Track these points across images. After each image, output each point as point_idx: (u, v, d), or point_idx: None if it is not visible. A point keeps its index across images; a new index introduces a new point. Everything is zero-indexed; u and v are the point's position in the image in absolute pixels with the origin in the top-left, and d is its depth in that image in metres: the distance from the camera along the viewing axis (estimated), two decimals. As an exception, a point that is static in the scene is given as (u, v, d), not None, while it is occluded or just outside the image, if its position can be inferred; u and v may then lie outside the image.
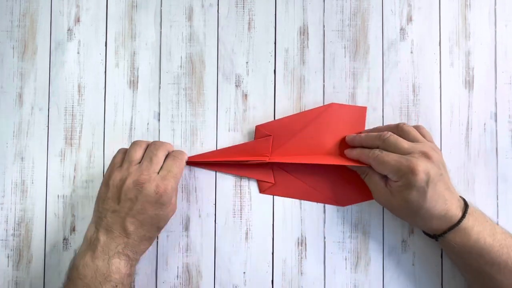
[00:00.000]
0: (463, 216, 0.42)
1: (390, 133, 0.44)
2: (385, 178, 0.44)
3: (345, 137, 0.49)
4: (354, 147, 0.48)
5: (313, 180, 0.49)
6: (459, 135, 0.50)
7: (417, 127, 0.46)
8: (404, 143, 0.43)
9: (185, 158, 0.47)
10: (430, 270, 0.49)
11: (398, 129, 0.45)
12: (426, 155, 0.42)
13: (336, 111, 0.49)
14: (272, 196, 0.49)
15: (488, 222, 0.43)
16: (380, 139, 0.44)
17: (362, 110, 0.50)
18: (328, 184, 0.49)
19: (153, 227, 0.44)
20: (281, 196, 0.49)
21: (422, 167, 0.40)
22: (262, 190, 0.49)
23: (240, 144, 0.49)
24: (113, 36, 0.51)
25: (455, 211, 0.42)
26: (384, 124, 0.50)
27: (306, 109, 0.50)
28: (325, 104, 0.50)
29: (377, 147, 0.45)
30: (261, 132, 0.49)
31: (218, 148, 0.50)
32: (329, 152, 0.49)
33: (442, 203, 0.41)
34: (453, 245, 0.42)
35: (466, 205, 0.43)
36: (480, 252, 0.41)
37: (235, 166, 0.49)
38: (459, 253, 0.43)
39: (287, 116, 0.49)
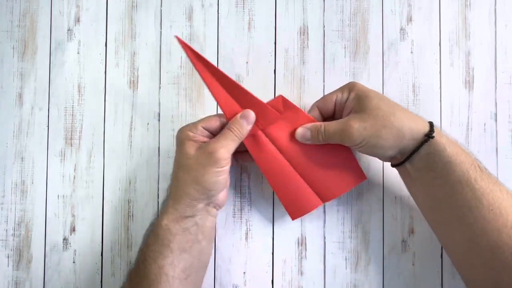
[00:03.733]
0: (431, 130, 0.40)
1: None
2: None
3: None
4: None
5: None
6: (459, 135, 0.50)
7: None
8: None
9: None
10: (430, 270, 0.49)
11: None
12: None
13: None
14: (272, 195, 0.49)
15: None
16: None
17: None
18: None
19: None
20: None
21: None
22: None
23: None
24: (113, 36, 0.51)
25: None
26: None
27: (306, 110, 0.49)
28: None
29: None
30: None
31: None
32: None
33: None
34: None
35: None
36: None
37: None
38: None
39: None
